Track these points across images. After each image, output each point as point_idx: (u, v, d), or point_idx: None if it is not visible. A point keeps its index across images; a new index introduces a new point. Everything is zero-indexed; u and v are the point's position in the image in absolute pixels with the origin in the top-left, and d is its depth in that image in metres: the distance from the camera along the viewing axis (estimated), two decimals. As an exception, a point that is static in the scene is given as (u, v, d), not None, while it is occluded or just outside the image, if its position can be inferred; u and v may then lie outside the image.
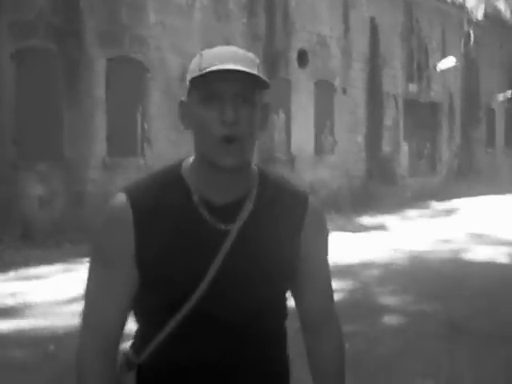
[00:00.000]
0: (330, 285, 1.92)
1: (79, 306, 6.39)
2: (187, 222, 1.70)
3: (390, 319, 6.76)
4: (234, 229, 1.71)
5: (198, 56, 1.68)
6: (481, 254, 10.92)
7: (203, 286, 1.67)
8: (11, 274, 9.36)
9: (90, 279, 1.76)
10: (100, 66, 12.82)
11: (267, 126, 1.77)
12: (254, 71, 1.62)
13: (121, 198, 1.71)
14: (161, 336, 1.72)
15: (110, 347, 1.75)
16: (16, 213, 11.42)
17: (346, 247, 11.26)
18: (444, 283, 8.58)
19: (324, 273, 1.89)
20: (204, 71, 1.59)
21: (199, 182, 1.72)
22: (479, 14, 24.59)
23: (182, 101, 1.74)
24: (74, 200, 12.34)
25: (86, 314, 1.76)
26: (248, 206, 1.74)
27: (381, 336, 6.14)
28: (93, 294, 1.75)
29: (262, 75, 1.64)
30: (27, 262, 10.00)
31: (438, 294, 7.89)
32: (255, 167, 1.82)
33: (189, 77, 1.66)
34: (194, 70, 1.65)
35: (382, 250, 11.28)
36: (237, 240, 1.71)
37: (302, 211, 1.80)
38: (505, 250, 11.29)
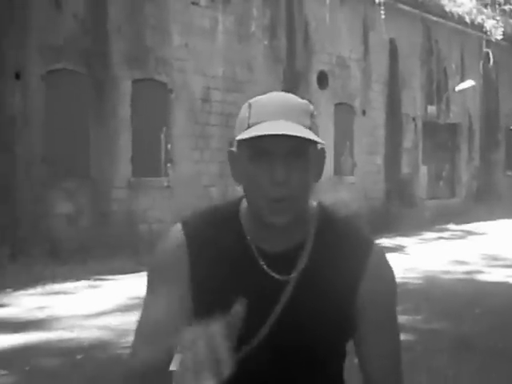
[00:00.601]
0: (398, 350, 1.78)
1: (103, 320, 6.86)
2: (243, 266, 1.66)
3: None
4: (293, 279, 1.64)
5: (246, 106, 1.62)
6: (495, 275, 11.13)
7: (259, 337, 1.63)
8: (39, 288, 9.73)
9: (145, 307, 1.71)
10: (126, 87, 13.22)
11: (322, 172, 1.70)
12: (307, 124, 1.57)
13: (176, 228, 1.72)
14: None
15: (159, 373, 1.62)
16: (44, 229, 11.80)
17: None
18: (456, 302, 8.82)
19: (389, 331, 1.75)
20: (253, 134, 1.52)
21: (253, 228, 1.68)
22: (498, 34, 24.80)
23: (231, 151, 1.69)
24: (99, 218, 12.70)
25: (134, 346, 1.68)
26: (305, 255, 1.67)
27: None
28: (143, 326, 1.69)
29: (312, 129, 1.57)
30: (54, 278, 10.37)
31: (449, 313, 8.14)
32: (316, 206, 1.75)
33: (237, 131, 1.61)
34: (242, 123, 1.60)
35: (398, 270, 11.49)
36: (295, 291, 1.64)
37: (362, 264, 1.68)
38: (519, 271, 11.52)
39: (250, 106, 1.60)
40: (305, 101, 1.63)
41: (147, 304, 1.70)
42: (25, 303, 8.72)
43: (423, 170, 22.00)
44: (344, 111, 18.76)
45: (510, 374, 5.71)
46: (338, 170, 18.43)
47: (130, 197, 13.25)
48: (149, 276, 1.73)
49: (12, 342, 6.66)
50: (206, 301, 1.63)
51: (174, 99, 14.11)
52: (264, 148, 1.55)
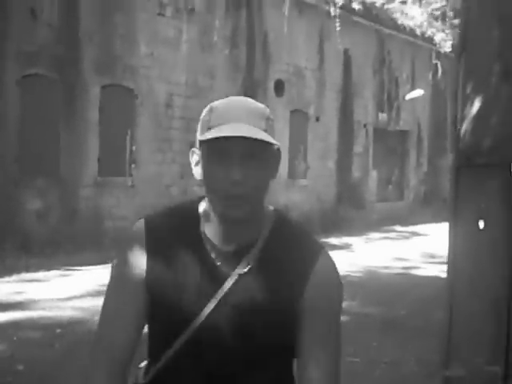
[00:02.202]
0: (336, 358, 1.82)
1: (77, 302, 8.00)
2: (195, 261, 1.74)
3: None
4: (236, 273, 1.72)
5: (208, 109, 1.72)
6: (429, 270, 12.33)
7: (195, 325, 1.70)
8: (14, 277, 10.63)
9: (106, 297, 1.82)
10: (95, 93, 14.11)
11: (278, 171, 1.79)
12: (263, 127, 1.66)
13: (139, 224, 1.81)
14: (159, 364, 1.77)
15: (119, 367, 1.79)
16: (16, 225, 12.67)
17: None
18: (390, 292, 9.98)
19: (328, 343, 1.79)
20: (213, 135, 1.62)
21: (211, 225, 1.76)
22: (447, 47, 26.01)
23: (193, 150, 1.78)
24: (67, 215, 13.58)
25: (99, 333, 1.82)
26: (255, 253, 1.74)
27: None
28: (107, 314, 1.81)
29: (268, 131, 1.67)
30: (27, 268, 11.26)
31: (383, 300, 9.29)
32: (272, 210, 1.82)
33: (199, 132, 1.70)
34: (203, 125, 1.70)
35: (342, 265, 12.65)
36: (236, 285, 1.71)
37: (308, 269, 1.74)
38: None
39: (211, 109, 1.70)
40: (262, 105, 1.73)
41: (106, 309, 1.82)
42: (3, 289, 9.61)
43: (373, 174, 23.18)
44: (299, 117, 19.84)
45: (423, 345, 6.80)
46: (292, 173, 19.50)
47: (96, 195, 14.16)
48: (111, 276, 1.83)
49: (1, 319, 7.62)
50: (158, 294, 1.74)
51: (140, 104, 15.05)
52: (223, 149, 1.63)
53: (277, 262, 1.73)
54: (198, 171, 1.75)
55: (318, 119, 20.57)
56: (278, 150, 1.75)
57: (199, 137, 1.68)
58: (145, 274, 1.74)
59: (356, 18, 21.37)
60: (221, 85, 16.83)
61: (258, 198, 1.70)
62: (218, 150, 1.64)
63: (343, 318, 6.48)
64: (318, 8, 19.78)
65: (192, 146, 1.81)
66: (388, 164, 24.36)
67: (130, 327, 1.77)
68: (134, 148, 14.93)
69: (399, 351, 6.73)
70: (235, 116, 1.64)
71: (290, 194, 19.08)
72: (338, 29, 20.08)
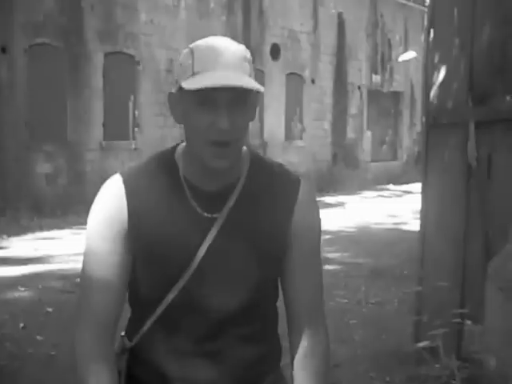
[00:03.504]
0: (321, 284, 1.87)
1: None
2: (176, 208, 1.72)
3: (330, 267, 8.87)
4: (221, 216, 1.71)
5: (188, 52, 1.63)
6: (418, 225, 13.07)
7: (189, 272, 1.70)
8: (30, 235, 11.39)
9: (86, 260, 1.76)
10: (98, 60, 14.76)
11: (255, 114, 1.74)
12: (247, 72, 1.61)
13: (115, 177, 1.74)
14: (149, 321, 1.75)
15: (106, 332, 1.76)
16: (28, 187, 13.40)
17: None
18: (379, 245, 10.73)
19: (315, 265, 1.84)
20: (199, 85, 1.56)
21: (189, 170, 1.73)
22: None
23: (171, 93, 1.70)
24: (75, 177, 14.32)
25: (82, 297, 1.79)
26: (236, 193, 1.73)
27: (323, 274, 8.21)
28: (89, 276, 1.76)
29: (251, 75, 1.63)
30: (41, 228, 12.03)
31: (372, 252, 10.05)
32: (247, 151, 1.81)
33: (180, 76, 1.63)
34: (186, 69, 1.61)
35: (337, 221, 13.43)
36: (224, 226, 1.71)
37: (293, 196, 1.77)
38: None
39: (192, 51, 1.62)
40: (242, 46, 1.66)
41: (86, 274, 1.76)
42: (21, 246, 10.36)
43: (367, 134, 23.82)
44: (295, 80, 20.45)
45: (406, 289, 7.55)
46: (289, 135, 20.19)
47: (101, 158, 14.88)
48: (89, 227, 1.76)
49: (22, 272, 8.36)
50: (143, 244, 1.70)
51: (141, 70, 15.69)
52: (208, 96, 1.58)
53: (261, 197, 1.75)
54: (177, 114, 1.69)
55: (313, 82, 21.17)
56: (258, 92, 1.68)
57: (184, 84, 1.59)
58: (127, 231, 1.71)
59: (349, -18, 21.88)
60: (218, 50, 17.38)
61: (242, 143, 1.69)
62: (203, 97, 1.59)
63: (336, 267, 7.30)
64: (312, -27, 20.30)
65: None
66: (382, 125, 24.99)
67: (115, 288, 1.73)
68: (136, 112, 15.59)
69: (384, 294, 7.51)
70: (221, 62, 1.58)
71: (286, 155, 19.74)
72: (331, -7, 20.62)
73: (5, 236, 11.14)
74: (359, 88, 23.31)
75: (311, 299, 1.83)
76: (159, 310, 1.73)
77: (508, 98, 3.58)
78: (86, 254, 1.75)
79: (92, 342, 1.74)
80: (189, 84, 1.57)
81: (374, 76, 24.02)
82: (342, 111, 22.51)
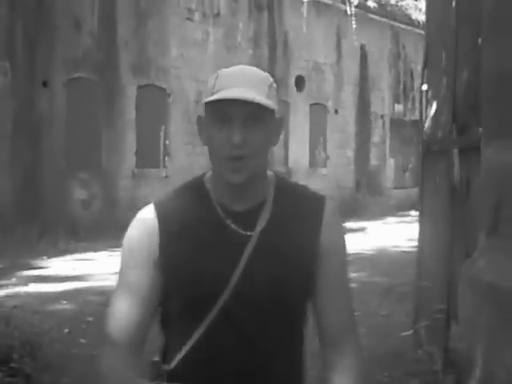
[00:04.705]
0: (351, 301, 1.91)
1: None
2: (211, 228, 1.76)
3: (348, 285, 9.57)
4: (255, 234, 1.75)
5: (214, 75, 1.73)
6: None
7: (228, 290, 1.72)
8: (67, 256, 12.20)
9: (117, 285, 1.84)
10: (131, 93, 15.68)
11: (279, 138, 1.81)
12: (264, 93, 1.68)
13: (148, 207, 1.82)
14: (188, 344, 1.76)
15: (130, 354, 1.78)
16: (65, 212, 14.27)
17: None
18: (395, 266, 11.37)
19: (344, 283, 1.89)
20: (214, 97, 1.66)
21: (219, 192, 1.78)
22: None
23: (199, 116, 1.79)
24: (109, 203, 15.17)
25: (109, 320, 1.83)
26: (266, 212, 1.78)
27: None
28: (117, 300, 1.82)
29: (269, 98, 1.69)
30: (77, 250, 12.86)
31: (388, 272, 10.70)
32: (273, 175, 1.86)
33: (204, 96, 1.72)
34: (209, 90, 1.71)
35: (357, 245, 14.08)
36: (258, 244, 1.74)
37: (319, 215, 1.81)
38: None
39: (217, 75, 1.72)
40: (266, 73, 1.76)
41: (116, 296, 1.83)
42: (60, 266, 11.17)
43: (390, 162, 24.37)
44: (318, 110, 21.20)
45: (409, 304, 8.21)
46: (313, 163, 20.91)
47: (134, 185, 15.73)
48: (123, 252, 1.84)
49: (63, 288, 9.16)
50: (177, 268, 1.74)
51: (172, 102, 16.59)
52: (225, 112, 1.66)
53: (289, 217, 1.79)
54: (203, 137, 1.78)
55: (336, 112, 21.89)
56: (281, 118, 1.80)
57: (203, 100, 1.71)
58: (158, 253, 1.76)
59: (371, 16, 22.57)
60: (245, 82, 18.22)
61: (258, 161, 1.72)
62: (220, 114, 1.68)
63: (353, 285, 8.05)
64: (335, 7, 21.08)
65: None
66: (404, 152, 25.54)
67: (143, 311, 1.78)
68: (167, 142, 16.47)
69: (394, 308, 8.18)
70: (238, 81, 1.68)
71: (311, 181, 20.39)
72: (354, 26, 21.16)
73: (45, 257, 11.96)
74: (382, 117, 23.93)
75: (344, 318, 1.87)
76: (198, 332, 1.75)
77: (480, 129, 4.28)
78: (118, 278, 1.85)
79: (116, 364, 1.77)
80: (204, 100, 1.71)
81: (396, 105, 24.63)
82: (365, 140, 23.14)
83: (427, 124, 5.44)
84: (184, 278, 1.74)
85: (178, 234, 1.76)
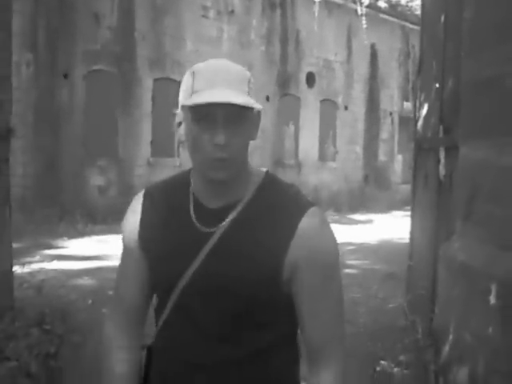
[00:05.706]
0: (337, 311, 1.84)
1: None
2: (178, 222, 1.81)
3: (349, 271, 10.19)
4: (218, 232, 1.75)
5: (189, 74, 1.70)
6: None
7: (181, 284, 1.76)
8: (86, 238, 12.91)
9: (120, 261, 1.97)
10: (148, 85, 16.35)
11: (258, 133, 1.78)
12: (245, 92, 1.66)
13: (140, 192, 1.94)
14: (159, 323, 1.85)
15: (131, 322, 1.92)
16: (82, 197, 14.97)
17: (336, 233, 14.71)
18: (397, 255, 11.90)
19: (326, 291, 1.79)
20: (198, 101, 1.60)
21: (198, 187, 1.80)
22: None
23: (175, 113, 1.80)
24: (124, 189, 15.81)
25: (114, 293, 1.97)
26: (236, 211, 1.76)
27: (343, 277, 9.53)
28: (119, 275, 1.97)
29: (250, 95, 1.67)
30: (94, 232, 13.56)
31: (389, 260, 11.30)
32: (263, 173, 1.84)
33: (182, 96, 1.70)
34: (187, 89, 1.67)
35: (363, 236, 14.72)
36: (219, 242, 1.74)
37: (295, 221, 1.74)
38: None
39: (193, 73, 1.68)
40: (243, 68, 1.71)
41: (118, 271, 1.99)
42: (80, 246, 11.86)
43: (398, 158, 24.86)
44: (328, 106, 21.75)
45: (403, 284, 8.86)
46: (322, 156, 21.49)
47: (149, 173, 16.39)
48: (122, 232, 1.96)
49: (84, 266, 9.86)
50: (150, 252, 1.84)
51: (186, 95, 17.18)
52: (207, 113, 1.63)
53: (261, 218, 1.75)
54: (181, 132, 1.76)
55: (346, 108, 22.44)
56: (259, 112, 1.74)
57: (184, 101, 1.66)
58: (137, 236, 1.86)
59: (382, 15, 23.09)
60: (257, 78, 18.79)
61: (240, 159, 1.71)
62: (202, 115, 1.64)
63: (354, 271, 8.78)
64: (346, 7, 21.64)
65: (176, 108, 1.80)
66: (412, 149, 25.98)
67: (139, 284, 1.90)
68: (181, 133, 17.05)
69: (391, 291, 8.82)
70: (219, 81, 1.63)
71: (319, 174, 21.05)
72: (364, 26, 21.67)
73: (65, 238, 12.66)
74: (391, 114, 24.44)
75: (326, 329, 1.80)
76: (164, 314, 1.83)
77: (460, 130, 4.91)
78: (120, 257, 1.99)
79: (116, 331, 1.93)
80: (187, 102, 1.64)
81: (405, 103, 25.14)
82: (374, 136, 23.67)
83: (419, 124, 6.07)
84: (155, 264, 1.84)
85: (154, 219, 1.85)
